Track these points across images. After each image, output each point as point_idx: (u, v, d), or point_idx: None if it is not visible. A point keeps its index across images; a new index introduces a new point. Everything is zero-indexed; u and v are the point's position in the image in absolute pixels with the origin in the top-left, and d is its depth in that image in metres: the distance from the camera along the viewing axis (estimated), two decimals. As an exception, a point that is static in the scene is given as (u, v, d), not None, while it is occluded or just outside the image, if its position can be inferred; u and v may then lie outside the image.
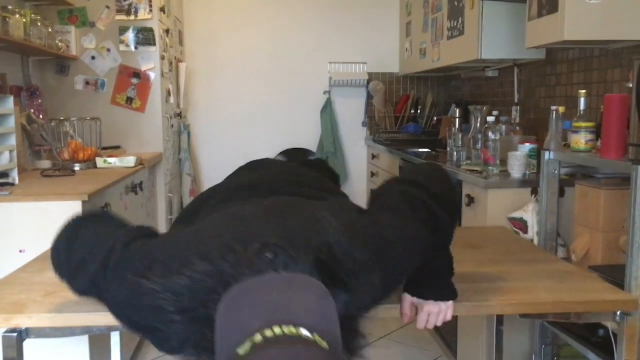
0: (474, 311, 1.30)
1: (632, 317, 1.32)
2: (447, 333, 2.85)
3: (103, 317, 1.21)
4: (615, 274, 1.74)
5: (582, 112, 2.06)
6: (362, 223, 1.06)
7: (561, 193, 2.20)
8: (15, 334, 1.21)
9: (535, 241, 2.17)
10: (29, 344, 1.28)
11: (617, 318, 1.34)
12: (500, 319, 2.13)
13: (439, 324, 1.21)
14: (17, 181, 2.23)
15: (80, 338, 1.96)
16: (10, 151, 2.22)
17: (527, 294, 1.35)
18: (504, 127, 3.02)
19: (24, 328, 1.22)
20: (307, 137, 4.70)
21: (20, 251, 1.93)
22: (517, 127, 3.07)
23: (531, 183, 2.33)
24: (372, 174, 4.57)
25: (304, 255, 0.92)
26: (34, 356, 1.93)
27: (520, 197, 2.31)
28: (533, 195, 2.25)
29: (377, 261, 0.99)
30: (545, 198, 2.14)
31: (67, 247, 1.14)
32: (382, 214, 1.11)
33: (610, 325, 1.66)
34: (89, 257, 1.07)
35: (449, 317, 1.21)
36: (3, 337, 1.21)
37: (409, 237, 1.08)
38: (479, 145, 2.76)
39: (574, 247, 2.04)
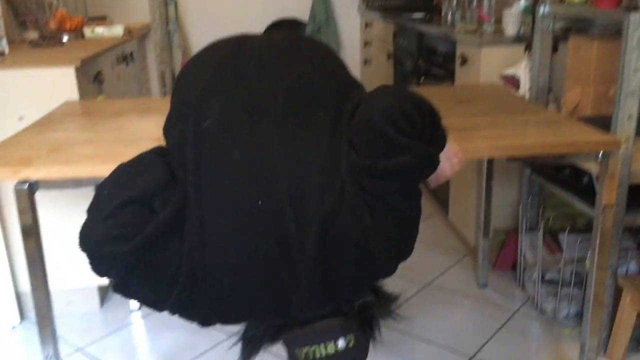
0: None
1: (614, 157, 1.39)
2: (439, 192, 2.96)
3: (110, 169, 1.26)
4: (602, 125, 1.78)
5: (580, -38, 2.01)
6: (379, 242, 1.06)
7: (555, 49, 2.20)
8: (26, 186, 1.27)
9: (527, 97, 2.20)
10: (41, 201, 1.35)
11: (600, 159, 1.40)
12: (490, 174, 2.21)
13: None
14: (7, 51, 2.20)
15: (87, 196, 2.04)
16: (-4, 20, 2.18)
17: (515, 139, 1.40)
18: (501, -14, 2.94)
19: (34, 180, 1.28)
20: (298, 6, 4.57)
21: (20, 118, 1.96)
22: (515, -13, 2.98)
23: (525, 40, 2.31)
24: (366, 44, 4.50)
25: None
26: (47, 212, 2.02)
27: (514, 55, 2.31)
28: (526, 52, 2.25)
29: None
30: (538, 54, 2.13)
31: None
32: (389, 223, 1.08)
33: (593, 170, 1.73)
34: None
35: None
36: (16, 190, 1.27)
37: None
38: (474, 4, 2.71)
39: (564, 100, 2.07)
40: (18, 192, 1.27)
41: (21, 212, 1.29)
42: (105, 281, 2.17)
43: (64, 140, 1.46)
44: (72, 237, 2.02)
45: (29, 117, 1.96)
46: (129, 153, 1.33)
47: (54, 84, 1.97)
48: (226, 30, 4.86)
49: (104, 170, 1.26)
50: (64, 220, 2.05)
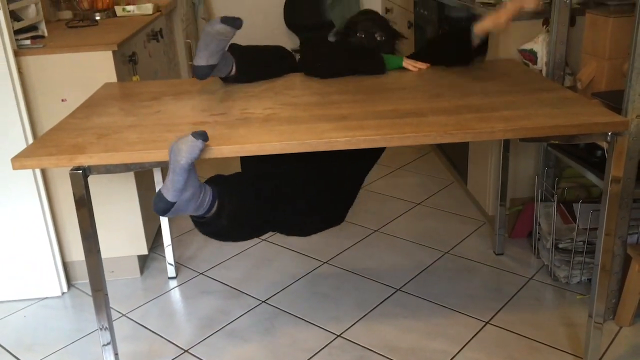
0: (479, 137, 1.45)
1: (622, 137, 1.47)
2: (458, 162, 3.06)
3: (153, 155, 1.39)
4: (615, 99, 1.86)
5: (598, -63, 2.04)
6: None
7: (572, 22, 2.25)
8: (80, 172, 1.40)
9: (544, 72, 2.26)
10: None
11: (609, 138, 1.49)
12: (506, 146, 2.30)
13: None
14: (46, 33, 2.32)
15: (127, 175, 2.19)
16: (36, 4, 2.29)
17: (528, 120, 1.49)
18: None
19: (86, 166, 1.41)
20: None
21: (63, 100, 2.09)
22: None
23: (543, 14, 2.36)
24: (387, 11, 4.52)
25: None
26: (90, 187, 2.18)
27: (532, 30, 2.36)
28: (544, 27, 2.30)
29: None
30: (555, 28, 2.19)
31: None
32: None
33: (605, 146, 1.82)
34: None
35: None
36: (71, 174, 1.40)
37: None
38: (494, -24, 2.73)
39: (580, 75, 2.14)
40: (73, 176, 1.40)
41: (75, 192, 1.43)
42: (144, 251, 2.33)
43: (110, 126, 1.59)
44: (114, 210, 2.18)
45: (71, 99, 2.09)
46: (170, 138, 1.46)
47: (93, 66, 2.09)
48: None
49: (150, 156, 1.39)
50: (106, 194, 2.21)
